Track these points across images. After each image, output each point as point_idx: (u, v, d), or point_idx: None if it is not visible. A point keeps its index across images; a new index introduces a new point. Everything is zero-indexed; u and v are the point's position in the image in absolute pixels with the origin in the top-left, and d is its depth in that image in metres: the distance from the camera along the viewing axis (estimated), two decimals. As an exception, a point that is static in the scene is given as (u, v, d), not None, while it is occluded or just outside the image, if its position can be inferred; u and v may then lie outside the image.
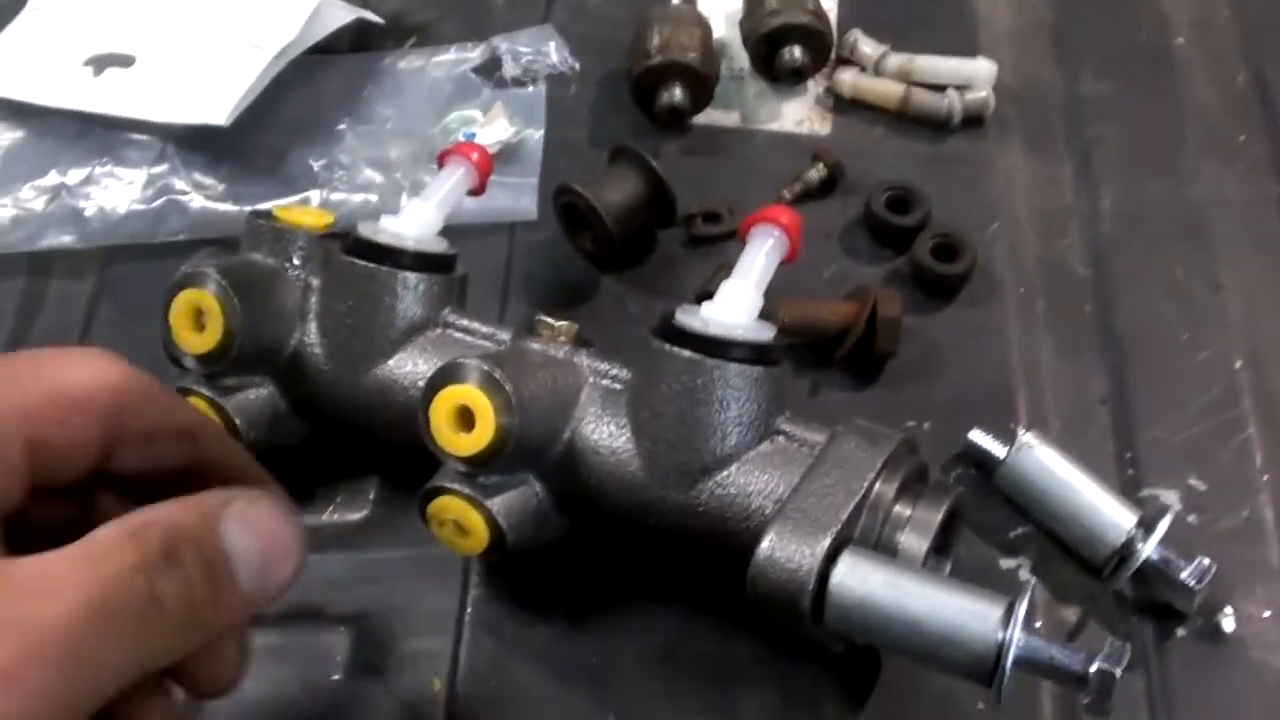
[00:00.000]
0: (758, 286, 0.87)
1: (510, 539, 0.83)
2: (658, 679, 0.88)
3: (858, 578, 0.76)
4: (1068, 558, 0.93)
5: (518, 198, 1.10)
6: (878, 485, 0.80)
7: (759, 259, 0.89)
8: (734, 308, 0.85)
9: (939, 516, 0.80)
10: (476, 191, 0.98)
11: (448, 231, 0.95)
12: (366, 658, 0.90)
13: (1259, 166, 1.16)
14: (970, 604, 0.74)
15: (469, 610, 0.92)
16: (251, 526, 0.63)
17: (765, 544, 0.77)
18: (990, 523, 0.95)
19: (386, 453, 0.92)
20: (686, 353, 0.82)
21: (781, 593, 0.76)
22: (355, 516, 0.96)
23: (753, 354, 0.83)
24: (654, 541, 0.86)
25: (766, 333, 0.85)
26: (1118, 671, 0.72)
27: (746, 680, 0.88)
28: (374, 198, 1.12)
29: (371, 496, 0.97)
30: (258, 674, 0.85)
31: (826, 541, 0.76)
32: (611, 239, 1.02)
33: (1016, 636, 0.72)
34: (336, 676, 0.89)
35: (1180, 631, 0.91)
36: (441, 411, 0.80)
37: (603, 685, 0.88)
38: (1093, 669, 0.72)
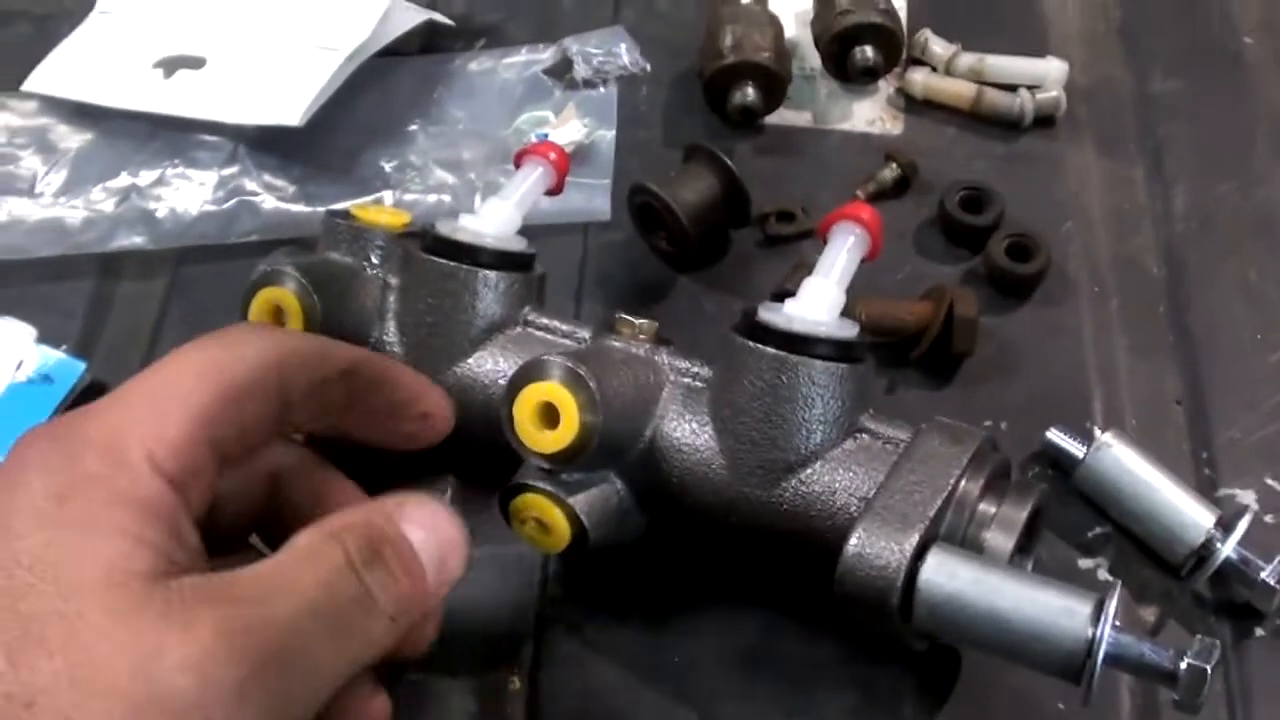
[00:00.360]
0: (840, 284, 0.87)
1: (592, 536, 0.83)
2: (738, 680, 0.88)
3: (946, 574, 0.76)
4: (1146, 558, 0.93)
5: (591, 198, 1.11)
6: (963, 483, 0.80)
7: (841, 256, 0.89)
8: (817, 305, 0.85)
9: (1024, 514, 0.80)
10: (554, 191, 0.98)
11: (524, 232, 0.95)
12: (445, 655, 0.90)
13: (1331, 165, 1.15)
14: (1060, 600, 0.74)
15: (548, 609, 0.92)
16: (427, 525, 0.68)
17: (854, 541, 0.77)
18: (1068, 523, 0.95)
19: (463, 451, 0.92)
20: (770, 349, 0.82)
21: (870, 590, 0.76)
22: (451, 517, 0.96)
23: (837, 351, 0.83)
24: (736, 541, 0.86)
25: (850, 330, 0.85)
26: (1209, 667, 0.72)
27: (827, 681, 0.88)
28: (447, 198, 1.12)
29: (448, 495, 0.96)
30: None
31: (915, 538, 0.76)
32: (687, 238, 1.02)
33: (1107, 633, 0.72)
34: (415, 675, 0.89)
35: (1259, 631, 0.91)
36: (525, 408, 0.80)
37: (683, 686, 0.88)
38: (1183, 665, 0.72)
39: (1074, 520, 0.95)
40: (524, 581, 0.93)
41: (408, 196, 1.13)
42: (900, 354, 1.01)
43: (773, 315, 0.84)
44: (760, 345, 0.82)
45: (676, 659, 0.89)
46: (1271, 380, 1.02)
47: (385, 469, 0.90)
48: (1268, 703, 0.88)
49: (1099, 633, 0.72)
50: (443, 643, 0.88)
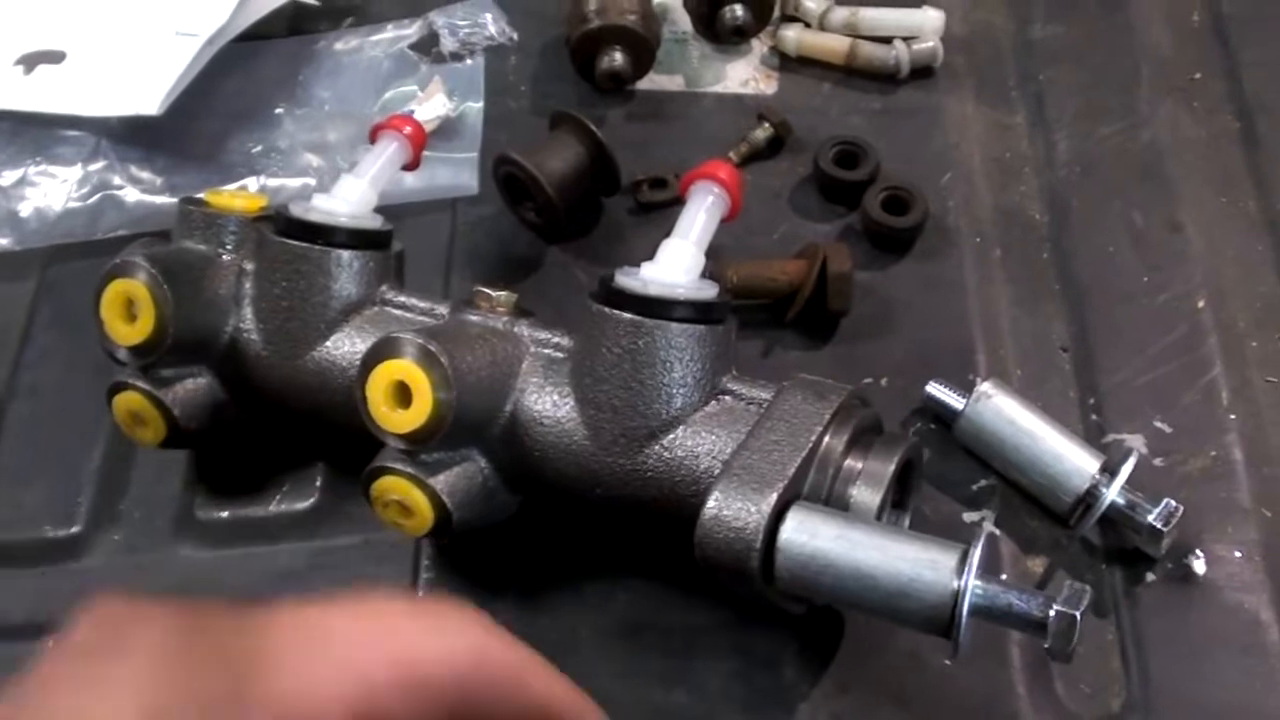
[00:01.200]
0: (698, 244, 0.85)
1: (456, 517, 0.81)
2: (617, 653, 0.87)
3: (807, 533, 0.74)
4: (1033, 508, 0.91)
5: (458, 173, 1.09)
6: (827, 439, 0.78)
7: (699, 216, 0.87)
8: (674, 267, 0.83)
9: (891, 468, 0.78)
10: (411, 166, 0.96)
11: (389, 211, 0.93)
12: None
13: (1216, 103, 1.14)
14: (924, 553, 0.72)
15: (421, 593, 0.89)
16: None
17: (711, 504, 0.75)
18: (953, 477, 0.93)
19: (332, 438, 0.90)
20: (627, 315, 0.80)
21: (729, 553, 0.74)
22: (303, 505, 0.94)
23: (695, 312, 0.81)
24: (606, 513, 0.84)
25: (709, 291, 0.83)
26: (1077, 613, 0.70)
27: (707, 649, 0.86)
28: (313, 181, 1.10)
29: (319, 483, 0.94)
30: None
31: (773, 497, 0.74)
32: (554, 208, 1.00)
33: (972, 583, 0.70)
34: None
35: (1150, 576, 0.89)
36: (378, 388, 0.78)
37: (560, 662, 0.85)
38: (1052, 612, 0.70)
39: (958, 474, 0.93)
40: (397, 568, 0.91)
41: (273, 181, 1.11)
42: (776, 315, 0.99)
43: (628, 280, 0.82)
44: (616, 311, 0.80)
45: (554, 636, 0.87)
46: (1159, 322, 1.00)
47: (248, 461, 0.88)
48: (1161, 647, 0.86)
49: (963, 583, 0.70)
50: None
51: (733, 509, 0.74)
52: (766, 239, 1.04)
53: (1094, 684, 0.86)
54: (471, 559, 0.90)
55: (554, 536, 0.90)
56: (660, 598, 0.88)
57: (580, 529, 0.89)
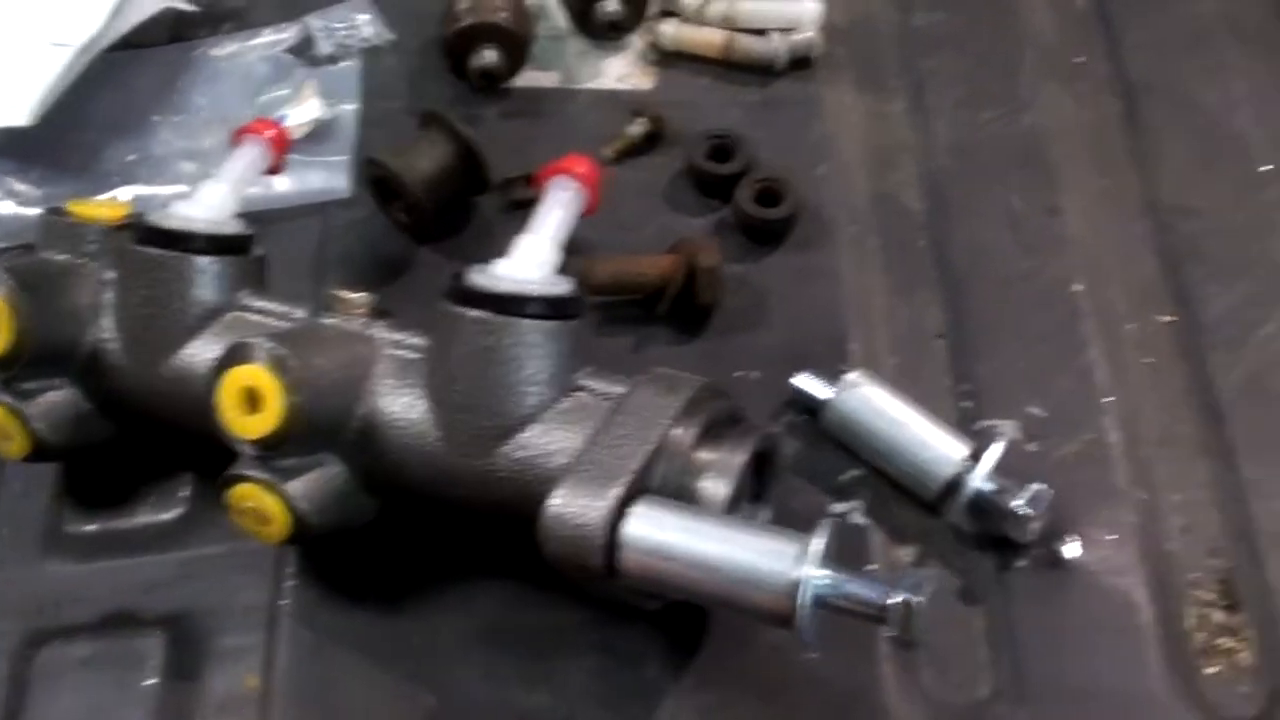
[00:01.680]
0: (553, 240, 0.85)
1: (312, 522, 0.80)
2: (478, 655, 0.86)
3: (651, 527, 0.73)
4: (902, 497, 0.91)
5: (331, 176, 1.08)
6: (676, 431, 0.77)
7: (554, 212, 0.86)
8: (526, 263, 0.83)
9: (741, 459, 0.78)
10: (274, 170, 0.95)
11: (259, 215, 0.93)
12: (182, 660, 0.87)
13: (1099, 86, 1.14)
14: (767, 544, 0.72)
15: (284, 601, 0.89)
16: None
17: (554, 500, 0.74)
18: (821, 468, 0.92)
19: (197, 446, 0.88)
20: (475, 312, 0.79)
21: (572, 548, 0.74)
22: (169, 515, 0.94)
23: (546, 308, 0.80)
24: (463, 514, 0.83)
25: (562, 286, 0.82)
26: (918, 600, 0.69)
27: (569, 648, 0.85)
28: (187, 188, 1.08)
29: (186, 493, 0.94)
30: (71, 686, 0.83)
31: (617, 492, 0.73)
32: (423, 208, 0.99)
33: (812, 573, 0.70)
34: (151, 681, 0.86)
35: (1021, 562, 0.88)
36: (229, 394, 0.77)
37: (422, 666, 0.86)
38: (891, 601, 0.69)
39: (826, 465, 0.92)
40: (262, 577, 0.90)
41: (147, 190, 1.10)
42: (647, 310, 0.98)
43: (479, 277, 0.82)
44: (465, 309, 0.80)
45: (415, 640, 0.87)
46: (1036, 307, 1.00)
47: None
48: (1031, 633, 0.86)
49: (803, 573, 0.70)
50: (177, 646, 0.85)
51: (576, 505, 0.73)
52: (640, 234, 1.03)
53: (962, 672, 0.85)
54: (334, 565, 0.89)
55: (416, 540, 0.89)
56: (522, 598, 0.87)
57: (442, 531, 0.88)
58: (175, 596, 0.90)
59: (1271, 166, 1.07)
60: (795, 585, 0.70)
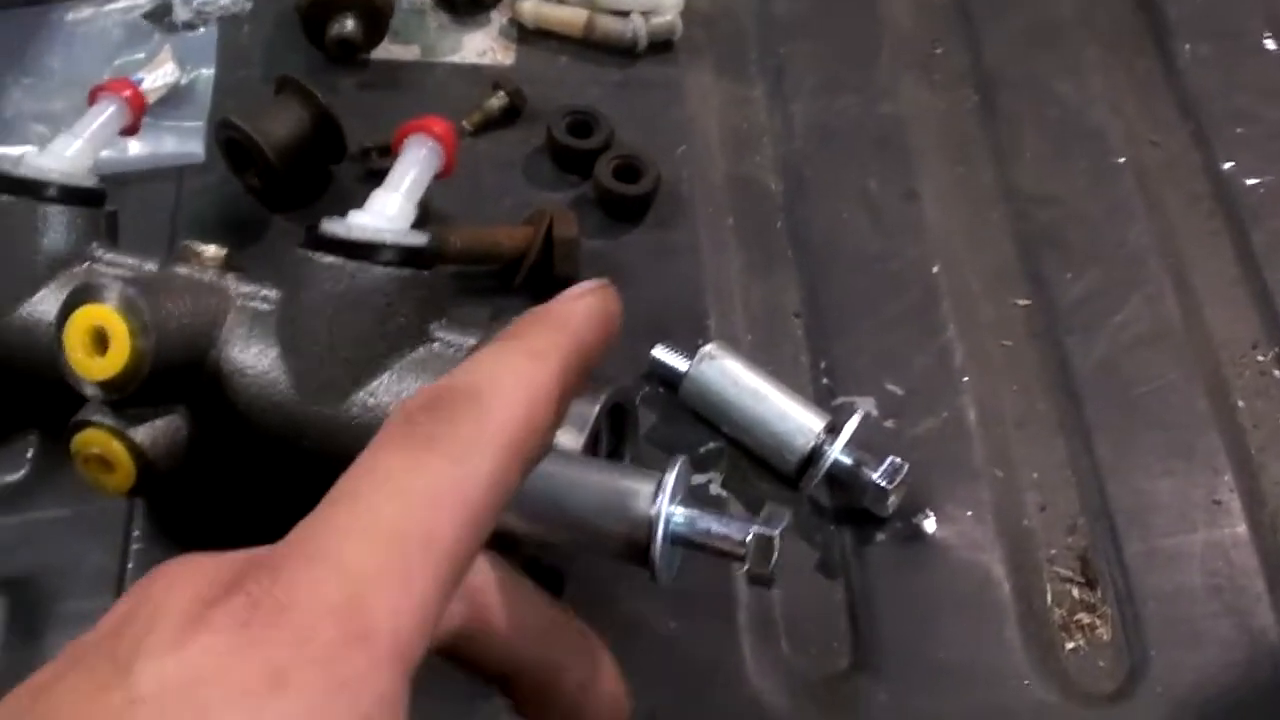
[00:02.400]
0: (408, 196, 0.83)
1: (159, 470, 0.77)
2: (331, 624, 0.83)
3: None
4: (761, 470, 0.90)
5: (185, 141, 1.05)
6: None
7: (411, 170, 0.84)
8: (380, 214, 0.81)
9: (595, 409, 0.76)
10: (130, 130, 0.93)
11: (112, 178, 0.90)
12: (26, 625, 0.84)
13: (956, 77, 1.14)
14: (621, 482, 0.69)
15: (130, 565, 0.85)
16: None
17: None
18: (680, 440, 0.91)
19: (44, 403, 0.85)
20: (329, 258, 0.78)
21: None
22: (12, 477, 0.90)
23: (399, 256, 0.79)
24: (315, 467, 0.80)
25: (417, 239, 0.80)
26: (774, 534, 0.67)
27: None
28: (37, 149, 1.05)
29: (30, 454, 0.90)
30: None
31: None
32: (276, 174, 0.96)
33: (667, 508, 0.68)
34: (-15, 655, 0.82)
35: (880, 536, 0.88)
36: (76, 334, 0.74)
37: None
38: (748, 535, 0.68)
39: (685, 438, 0.91)
40: (108, 540, 0.87)
41: (-2, 151, 1.06)
42: (504, 282, 0.96)
43: (334, 225, 0.80)
44: (318, 254, 0.78)
45: (267, 607, 0.83)
46: (893, 287, 1.00)
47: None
48: (890, 607, 0.85)
49: (658, 508, 0.68)
50: (19, 611, 0.82)
51: None
52: (498, 207, 1.02)
53: (821, 644, 0.84)
54: (183, 528, 0.87)
55: (268, 503, 0.86)
56: None
57: (295, 492, 0.85)
58: (17, 560, 0.86)
59: (1125, 159, 1.07)
60: (650, 521, 0.68)
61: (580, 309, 0.58)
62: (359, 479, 0.46)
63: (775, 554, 0.66)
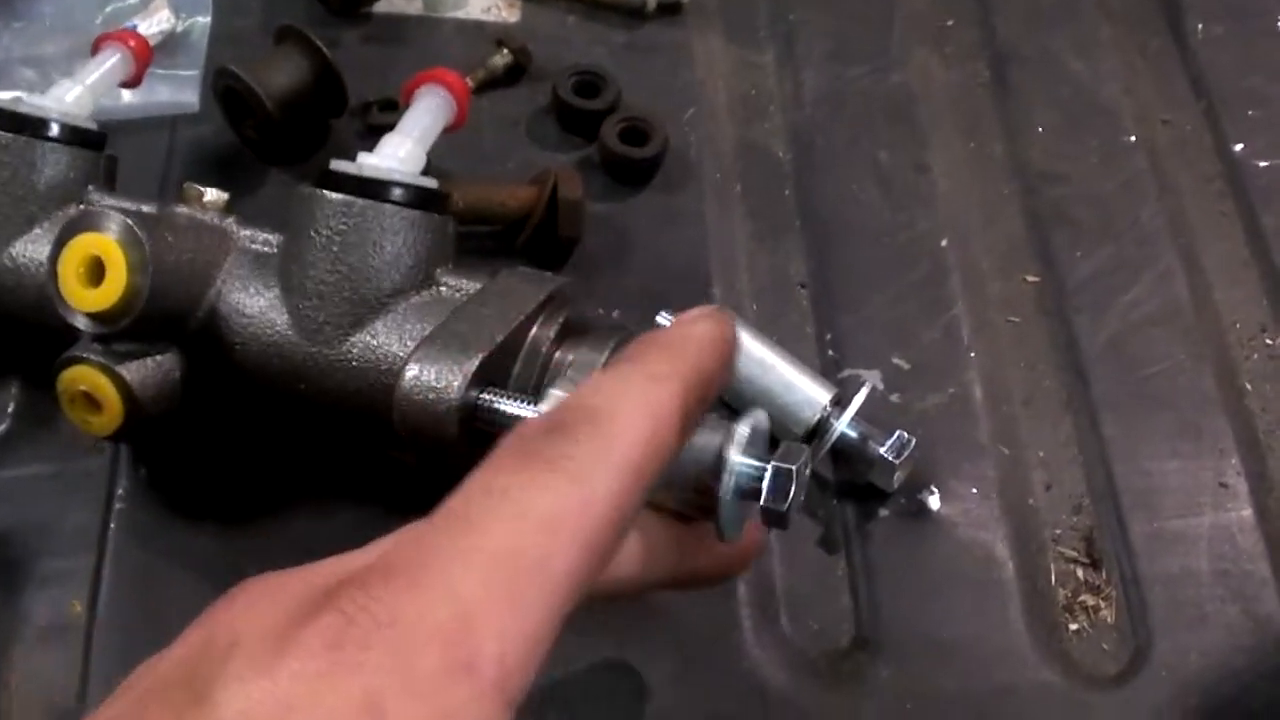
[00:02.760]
0: (419, 141, 0.82)
1: (147, 411, 0.75)
2: (321, 584, 0.81)
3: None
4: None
5: (180, 90, 1.02)
6: (535, 330, 0.75)
7: (423, 118, 0.83)
8: (391, 156, 0.80)
9: (602, 358, 0.74)
10: (133, 82, 0.91)
11: (105, 126, 0.88)
12: (4, 584, 0.82)
13: (967, 50, 1.12)
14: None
15: (113, 525, 0.83)
16: None
17: (411, 365, 0.71)
18: (683, 409, 0.89)
19: (29, 349, 0.83)
20: (339, 195, 0.76)
21: (428, 417, 0.70)
22: (-7, 432, 0.87)
23: (409, 196, 0.77)
24: (311, 414, 0.79)
25: (428, 181, 0.80)
26: (793, 468, 0.65)
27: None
28: (25, 95, 1.03)
29: (10, 409, 0.88)
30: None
31: (476, 361, 0.70)
32: (274, 125, 0.94)
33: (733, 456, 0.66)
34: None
35: (883, 512, 0.87)
36: (71, 262, 0.72)
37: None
38: (769, 468, 0.65)
39: (688, 406, 0.89)
40: (90, 497, 0.85)
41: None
42: (506, 243, 0.94)
43: (344, 164, 0.79)
44: (328, 192, 0.77)
45: (253, 566, 0.80)
46: (901, 260, 0.98)
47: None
48: (892, 583, 0.84)
49: (726, 453, 0.66)
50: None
51: (432, 372, 0.70)
52: (501, 167, 1.00)
53: (822, 620, 0.83)
54: (171, 484, 0.85)
55: (259, 461, 0.84)
56: (370, 521, 0.80)
57: (286, 450, 0.84)
58: (-7, 520, 0.84)
59: (1137, 138, 1.06)
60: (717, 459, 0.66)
61: (698, 333, 0.56)
62: (471, 499, 0.44)
63: (794, 489, 0.64)
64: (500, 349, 0.72)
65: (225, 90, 0.96)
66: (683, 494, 0.65)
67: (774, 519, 0.64)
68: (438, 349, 0.71)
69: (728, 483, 0.62)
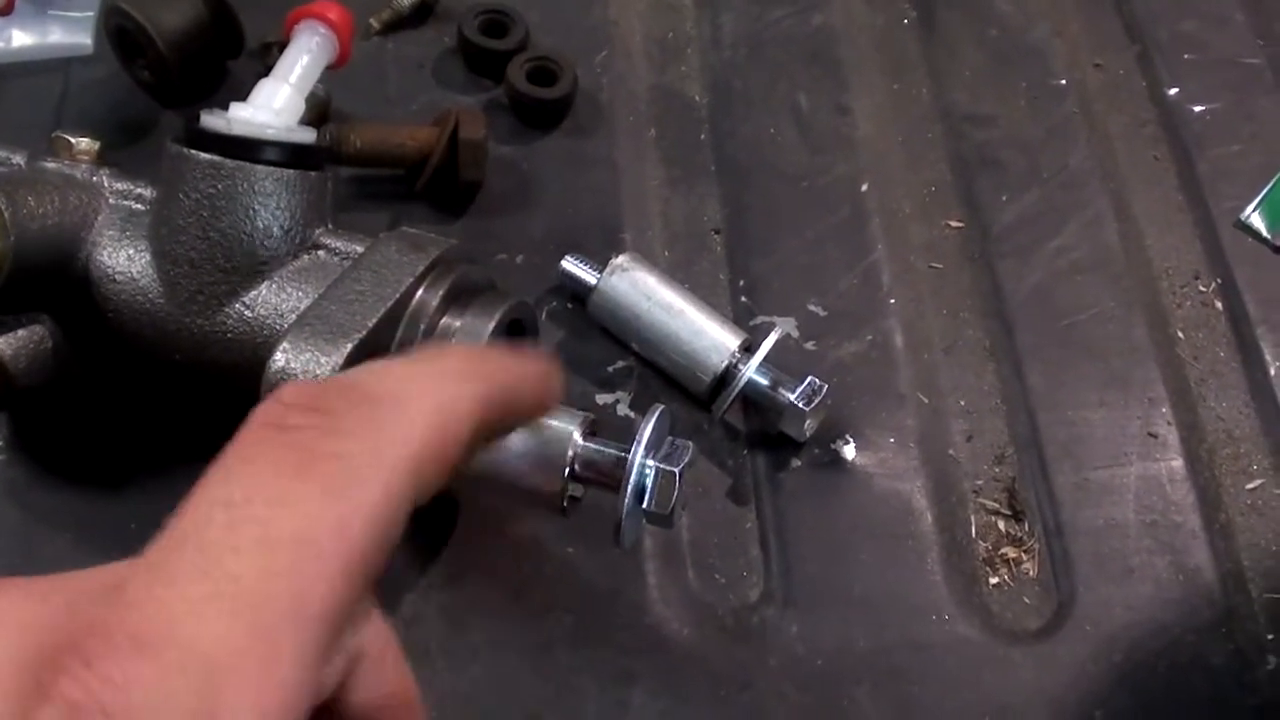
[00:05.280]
0: (297, 87, 0.77)
1: (19, 383, 0.72)
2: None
3: None
4: (673, 390, 0.85)
5: (72, 31, 0.98)
6: (419, 293, 0.70)
7: (300, 58, 0.78)
8: (265, 107, 0.75)
9: (490, 325, 0.70)
10: (4, 10, 0.87)
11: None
12: None
13: (893, -10, 1.08)
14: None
15: (-10, 484, 0.79)
16: None
17: (278, 356, 0.66)
18: (588, 358, 0.86)
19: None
20: (206, 155, 0.71)
21: None
22: None
23: (284, 155, 0.72)
24: (190, 385, 0.75)
25: (304, 135, 0.74)
26: (675, 470, 0.63)
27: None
28: None
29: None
30: None
31: (347, 349, 0.65)
32: (167, 66, 0.90)
33: (582, 443, 0.63)
34: None
35: (795, 463, 0.83)
36: None
37: (139, 552, 0.77)
38: (650, 470, 0.63)
39: (593, 355, 0.86)
40: (-36, 459, 0.81)
41: None
42: (406, 186, 0.90)
43: (213, 119, 0.73)
44: (195, 152, 0.71)
45: (135, 525, 0.78)
46: (820, 205, 0.95)
47: None
48: (804, 536, 0.81)
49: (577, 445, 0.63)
50: None
51: (301, 361, 0.65)
52: (405, 111, 0.96)
53: (730, 573, 0.79)
54: (50, 441, 0.81)
55: (138, 418, 0.80)
56: None
57: (170, 409, 0.80)
58: None
59: (1067, 81, 1.02)
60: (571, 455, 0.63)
61: (520, 356, 0.50)
62: (212, 513, 0.37)
63: (676, 493, 0.62)
64: (375, 331, 0.67)
65: (117, 29, 0.92)
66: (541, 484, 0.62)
67: (656, 520, 0.62)
68: (306, 336, 0.66)
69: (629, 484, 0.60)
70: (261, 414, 0.39)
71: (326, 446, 0.38)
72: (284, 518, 0.36)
